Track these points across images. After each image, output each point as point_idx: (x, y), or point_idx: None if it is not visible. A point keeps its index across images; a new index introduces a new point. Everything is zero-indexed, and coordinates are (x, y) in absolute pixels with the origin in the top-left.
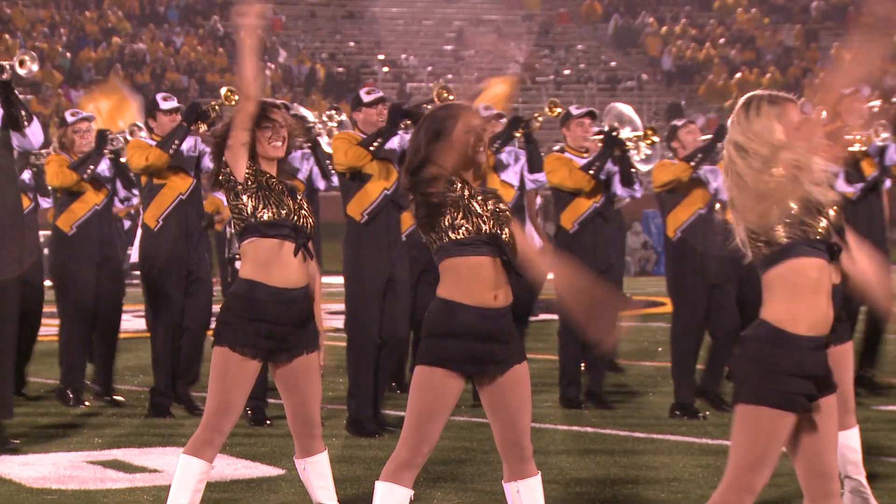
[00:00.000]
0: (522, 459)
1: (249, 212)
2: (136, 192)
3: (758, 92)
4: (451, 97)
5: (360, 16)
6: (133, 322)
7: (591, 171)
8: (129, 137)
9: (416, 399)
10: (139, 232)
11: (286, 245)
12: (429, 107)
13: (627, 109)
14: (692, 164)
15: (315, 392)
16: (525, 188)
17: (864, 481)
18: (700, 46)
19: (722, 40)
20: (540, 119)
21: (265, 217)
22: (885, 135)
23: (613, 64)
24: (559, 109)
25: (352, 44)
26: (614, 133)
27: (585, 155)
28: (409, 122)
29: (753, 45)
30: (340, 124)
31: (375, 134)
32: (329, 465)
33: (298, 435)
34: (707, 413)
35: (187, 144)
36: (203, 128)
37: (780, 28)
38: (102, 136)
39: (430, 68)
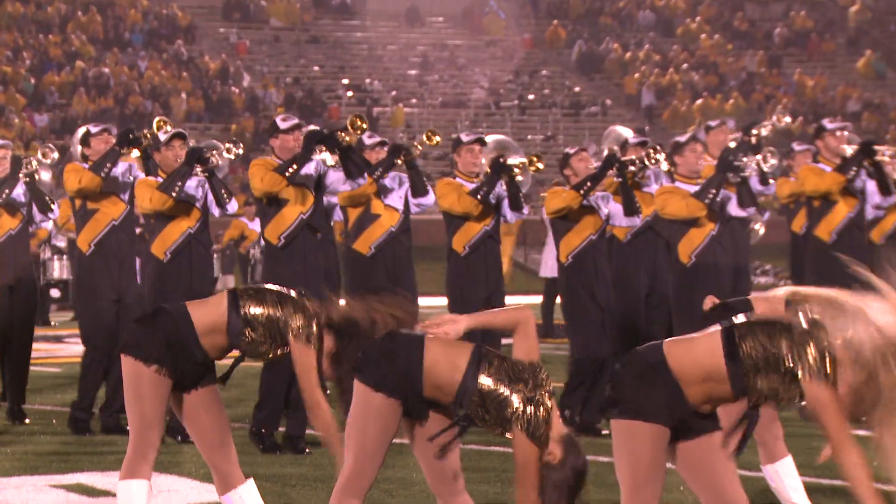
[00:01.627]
0: (454, 493)
1: None
2: (51, 215)
3: None
4: (364, 125)
5: (324, 40)
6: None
7: (479, 196)
8: (43, 160)
9: (363, 426)
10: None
11: None
12: (342, 133)
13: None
14: (581, 192)
15: (222, 418)
16: (409, 211)
17: None
18: (663, 72)
19: (685, 66)
20: (419, 147)
21: None
22: (772, 161)
23: (577, 89)
24: (437, 138)
25: (316, 68)
26: (501, 159)
27: (475, 180)
28: (324, 148)
29: (717, 70)
30: (237, 157)
31: (291, 160)
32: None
33: (218, 467)
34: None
35: (121, 170)
36: (135, 153)
37: (743, 54)
38: (17, 161)
39: (394, 93)
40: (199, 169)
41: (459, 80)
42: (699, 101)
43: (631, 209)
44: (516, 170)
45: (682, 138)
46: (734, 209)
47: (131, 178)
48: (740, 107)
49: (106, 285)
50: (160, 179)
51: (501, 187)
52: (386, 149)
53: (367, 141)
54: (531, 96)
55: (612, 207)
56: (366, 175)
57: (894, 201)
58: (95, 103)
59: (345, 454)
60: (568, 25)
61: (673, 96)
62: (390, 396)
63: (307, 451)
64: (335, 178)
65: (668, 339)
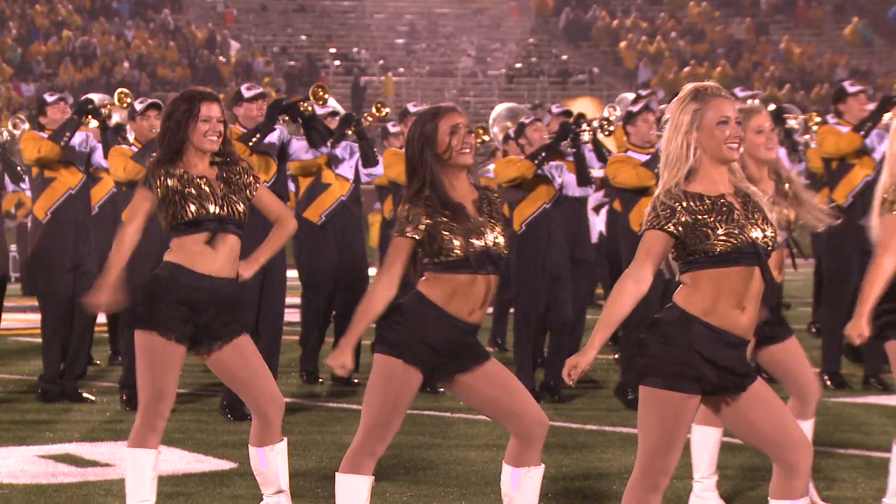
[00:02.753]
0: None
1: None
2: (24, 186)
3: None
4: (326, 95)
5: (311, 9)
6: None
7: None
8: (14, 131)
9: (378, 390)
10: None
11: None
12: (305, 104)
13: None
14: (535, 161)
15: (257, 372)
16: (360, 181)
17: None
18: (651, 40)
19: (673, 34)
20: (369, 118)
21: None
22: None
23: (565, 57)
24: (386, 109)
25: (303, 37)
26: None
27: None
28: (286, 117)
29: (704, 38)
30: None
31: (254, 129)
32: (286, 454)
33: (259, 419)
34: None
35: (79, 139)
36: (94, 123)
37: (731, 21)
38: None
39: (381, 62)
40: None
41: (447, 48)
42: (686, 69)
43: (584, 179)
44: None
45: (635, 108)
46: None
47: (88, 148)
48: (728, 74)
49: (63, 254)
50: (134, 148)
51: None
52: (337, 119)
53: (319, 111)
54: (518, 64)
55: (566, 177)
56: (328, 143)
57: None
58: (82, 73)
59: (362, 417)
60: None
61: (660, 64)
62: (409, 363)
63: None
64: (298, 146)
65: (675, 292)
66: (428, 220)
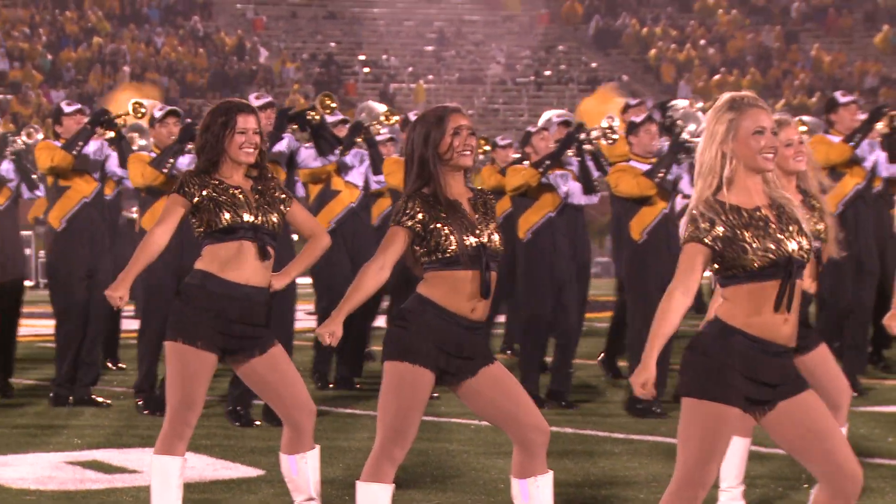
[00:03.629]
0: (533, 454)
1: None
2: (39, 193)
3: None
4: (333, 104)
5: (341, 16)
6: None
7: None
8: (27, 140)
9: (392, 396)
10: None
11: (245, 245)
12: (313, 113)
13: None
14: (540, 170)
15: (288, 381)
16: (370, 188)
17: None
18: (680, 48)
19: (702, 41)
20: (378, 126)
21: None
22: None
23: (594, 65)
24: (396, 117)
25: (332, 44)
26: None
27: None
28: (295, 125)
29: (734, 46)
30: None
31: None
32: (318, 462)
33: (291, 428)
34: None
35: (93, 148)
36: (108, 134)
37: (760, 29)
38: (3, 140)
39: (410, 69)
40: (191, 146)
41: (476, 55)
42: (716, 77)
43: (589, 187)
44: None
45: (637, 118)
46: (686, 187)
47: (102, 157)
48: (757, 82)
49: (77, 261)
50: (153, 155)
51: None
52: (347, 127)
53: (329, 119)
54: (548, 72)
55: (570, 186)
56: (336, 152)
57: None
58: (112, 79)
59: (378, 425)
60: (585, 1)
61: (690, 72)
62: (418, 365)
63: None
64: (306, 154)
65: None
66: (425, 215)
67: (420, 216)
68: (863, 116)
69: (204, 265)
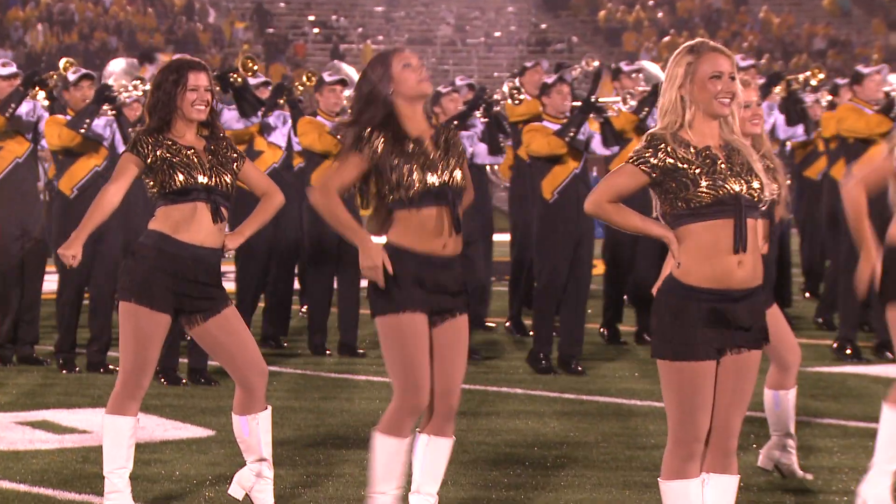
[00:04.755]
0: (447, 418)
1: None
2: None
3: None
4: (255, 67)
5: None
6: None
7: (339, 137)
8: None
9: (394, 350)
10: None
11: (199, 206)
12: (235, 74)
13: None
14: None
15: (241, 342)
16: (292, 148)
17: (793, 441)
18: (630, 9)
19: (651, 2)
20: (300, 87)
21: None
22: (632, 103)
23: (544, 26)
24: (315, 77)
25: (282, 4)
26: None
27: (336, 119)
28: (218, 87)
29: (683, 7)
30: (145, 93)
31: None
32: (269, 423)
33: (244, 389)
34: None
35: (26, 109)
36: (41, 94)
37: None
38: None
39: (360, 30)
40: (107, 108)
41: (426, 16)
42: (666, 39)
43: (495, 148)
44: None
45: (550, 79)
46: (598, 148)
47: (35, 118)
48: None
49: (11, 221)
50: (69, 117)
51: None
52: (269, 89)
53: (252, 81)
54: (497, 33)
55: (476, 147)
56: (259, 114)
57: None
58: (60, 39)
59: (393, 382)
60: None
61: (639, 33)
62: (406, 311)
63: (215, 382)
64: (229, 116)
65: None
66: (385, 148)
67: (380, 148)
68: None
69: (157, 226)
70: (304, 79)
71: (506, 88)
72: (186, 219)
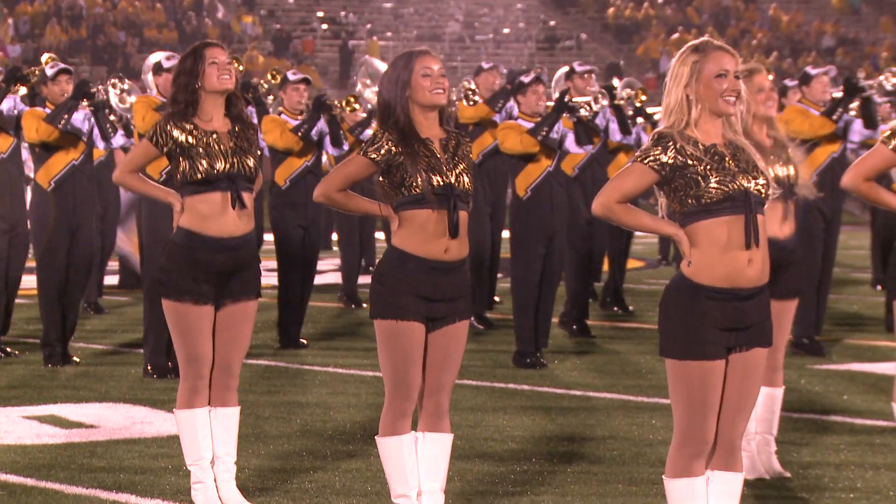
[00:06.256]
0: (437, 415)
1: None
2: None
3: None
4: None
5: None
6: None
7: (300, 133)
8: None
9: (388, 353)
10: None
11: (222, 196)
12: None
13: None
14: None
15: (241, 341)
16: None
17: (773, 440)
18: (638, 6)
19: (660, 0)
20: (265, 85)
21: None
22: (603, 102)
23: (552, 23)
24: (280, 76)
25: (290, 0)
26: (323, 98)
27: (299, 117)
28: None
29: (691, 5)
30: (122, 91)
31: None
32: (237, 422)
33: (214, 382)
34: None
35: (7, 105)
36: (22, 90)
37: None
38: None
39: (369, 25)
40: (85, 103)
41: (434, 12)
42: (675, 36)
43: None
44: (336, 109)
45: (526, 79)
46: (572, 146)
47: (17, 113)
48: None
49: None
50: (48, 111)
51: (323, 124)
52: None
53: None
54: (506, 30)
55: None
56: None
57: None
58: (68, 34)
59: (385, 384)
60: None
61: (647, 31)
62: (406, 320)
63: None
64: None
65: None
66: (393, 149)
67: (385, 150)
68: (835, 91)
69: (186, 222)
70: (269, 76)
71: (462, 89)
72: (214, 211)
